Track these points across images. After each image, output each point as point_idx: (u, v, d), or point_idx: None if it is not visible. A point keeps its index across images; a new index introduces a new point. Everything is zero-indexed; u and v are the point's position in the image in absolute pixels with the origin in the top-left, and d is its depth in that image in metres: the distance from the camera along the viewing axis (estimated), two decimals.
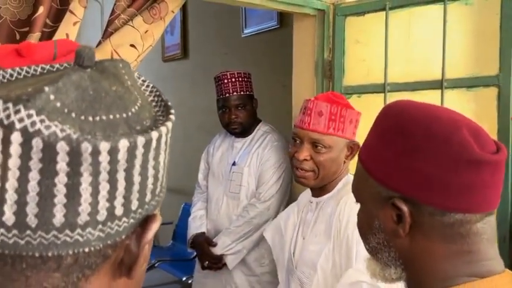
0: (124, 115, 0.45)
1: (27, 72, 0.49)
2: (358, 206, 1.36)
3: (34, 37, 1.56)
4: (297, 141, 1.55)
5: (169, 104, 0.53)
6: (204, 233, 2.46)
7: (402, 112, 0.76)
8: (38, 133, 0.39)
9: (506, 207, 1.68)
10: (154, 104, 0.52)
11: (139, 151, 0.44)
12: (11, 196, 0.40)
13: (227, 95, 2.38)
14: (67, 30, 1.59)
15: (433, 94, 1.80)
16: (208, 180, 2.56)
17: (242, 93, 2.37)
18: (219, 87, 2.42)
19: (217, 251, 2.35)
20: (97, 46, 1.68)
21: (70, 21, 1.59)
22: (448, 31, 1.77)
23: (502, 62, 1.66)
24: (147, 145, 0.45)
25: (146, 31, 1.71)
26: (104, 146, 0.41)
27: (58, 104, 0.41)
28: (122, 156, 0.43)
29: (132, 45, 1.67)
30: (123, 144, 0.42)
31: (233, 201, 2.39)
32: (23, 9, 1.62)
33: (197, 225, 2.48)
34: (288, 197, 2.37)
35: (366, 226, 0.81)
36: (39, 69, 0.50)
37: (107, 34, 1.69)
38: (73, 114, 0.42)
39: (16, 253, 0.42)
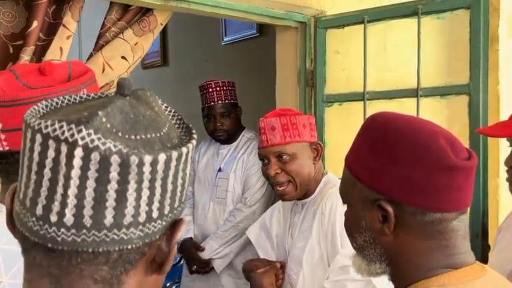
0: (158, 134, 0.55)
1: (69, 100, 0.59)
2: (339, 198, 1.45)
3: (28, 51, 1.61)
4: (265, 161, 1.64)
5: (190, 125, 0.62)
6: (191, 238, 2.51)
7: (386, 124, 0.85)
8: (96, 148, 0.48)
9: (478, 207, 1.80)
10: (177, 126, 0.62)
11: (173, 163, 0.53)
12: (71, 201, 0.49)
13: (212, 103, 2.44)
14: (61, 44, 1.64)
15: (409, 102, 1.91)
16: (194, 187, 2.62)
17: (227, 101, 2.45)
18: (203, 95, 2.49)
19: (204, 255, 2.40)
20: (89, 58, 1.74)
21: (63, 35, 1.64)
22: (422, 43, 1.88)
23: (472, 72, 1.78)
24: (179, 159, 0.54)
25: (136, 43, 1.77)
26: (147, 159, 0.50)
27: (109, 125, 0.50)
28: (160, 167, 0.52)
29: (123, 57, 1.73)
30: (162, 157, 0.51)
31: (219, 207, 2.45)
32: (16, 23, 1.66)
33: (184, 230, 2.53)
34: (272, 201, 2.45)
35: (353, 226, 0.89)
36: (78, 98, 0.59)
37: (98, 46, 1.75)
38: (120, 134, 0.51)
39: (73, 249, 0.50)
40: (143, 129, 0.53)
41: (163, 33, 4.47)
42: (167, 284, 3.56)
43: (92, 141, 0.48)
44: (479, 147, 1.77)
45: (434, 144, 0.79)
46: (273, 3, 2.05)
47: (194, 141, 0.58)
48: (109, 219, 0.50)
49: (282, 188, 1.62)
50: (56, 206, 0.49)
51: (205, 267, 2.42)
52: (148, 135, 0.53)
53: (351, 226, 0.91)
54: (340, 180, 1.60)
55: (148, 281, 0.57)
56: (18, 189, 0.54)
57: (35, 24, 1.60)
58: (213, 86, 2.45)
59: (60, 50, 1.65)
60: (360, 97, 2.01)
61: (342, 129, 2.10)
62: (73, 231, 0.49)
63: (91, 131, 0.48)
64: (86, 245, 0.50)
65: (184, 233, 2.51)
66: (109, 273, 0.52)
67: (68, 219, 0.49)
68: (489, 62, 1.83)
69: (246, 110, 2.64)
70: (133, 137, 0.52)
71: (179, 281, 3.18)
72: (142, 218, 0.52)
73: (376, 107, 1.98)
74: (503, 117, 2.36)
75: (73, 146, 0.48)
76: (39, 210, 0.50)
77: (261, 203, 2.39)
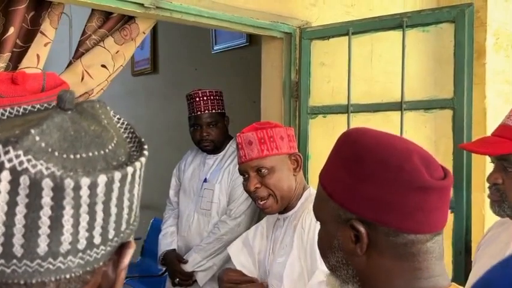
0: (102, 152, 0.50)
1: (10, 113, 0.54)
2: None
3: (4, 58, 1.57)
4: (245, 176, 1.62)
5: (142, 140, 0.58)
6: (174, 249, 2.48)
7: (359, 141, 0.82)
8: (25, 171, 0.44)
9: (462, 224, 1.78)
10: (128, 140, 0.57)
11: (116, 185, 0.49)
12: None
13: (199, 113, 2.42)
14: (38, 51, 1.61)
15: (394, 115, 1.89)
16: (179, 197, 2.58)
17: (214, 111, 2.42)
18: (190, 105, 2.46)
19: (187, 267, 2.37)
20: (68, 66, 1.71)
21: (41, 42, 1.61)
22: (407, 56, 1.87)
23: (456, 86, 1.77)
24: (123, 179, 0.50)
25: (117, 51, 1.74)
26: (85, 181, 0.46)
27: (43, 144, 0.46)
28: (100, 190, 0.48)
29: (103, 66, 1.70)
30: (102, 179, 0.47)
31: (204, 218, 2.42)
32: None
33: (168, 242, 2.50)
34: (258, 214, 2.42)
35: (326, 245, 0.87)
36: (21, 110, 0.55)
37: (78, 54, 1.72)
38: (56, 153, 0.47)
39: (2, 281, 0.46)
40: (84, 147, 0.49)
41: (154, 40, 4.46)
42: None
43: (21, 163, 0.44)
44: (462, 161, 1.76)
45: (407, 164, 0.77)
46: (259, 13, 2.03)
47: (143, 159, 0.54)
48: (42, 247, 0.46)
49: (263, 202, 1.60)
50: None
51: (187, 280, 2.39)
52: (90, 154, 0.49)
53: (324, 245, 0.88)
54: None
55: None
56: None
57: (11, 30, 1.57)
58: (200, 96, 2.43)
59: (37, 57, 1.61)
60: (345, 109, 1.99)
61: (326, 141, 2.06)
62: (2, 261, 0.45)
63: (20, 151, 0.44)
64: (17, 276, 0.46)
65: (167, 244, 2.47)
66: None
67: None
68: (475, 76, 1.82)
69: (235, 119, 2.62)
70: (71, 156, 0.47)
71: None
72: (81, 244, 0.48)
73: (360, 120, 1.96)
74: (490, 130, 2.35)
75: None
76: None
77: (246, 215, 2.36)
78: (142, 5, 1.71)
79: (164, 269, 3.12)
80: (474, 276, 1.48)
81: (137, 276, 3.71)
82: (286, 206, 1.63)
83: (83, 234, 0.48)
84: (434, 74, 1.86)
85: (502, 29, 2.47)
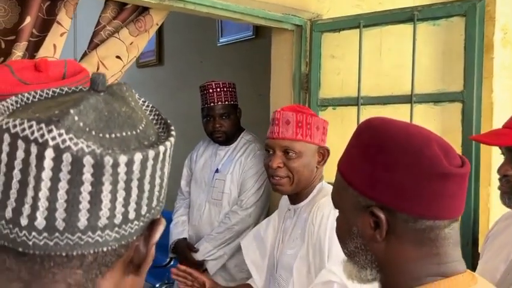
0: (134, 132, 0.53)
1: (40, 95, 0.56)
2: (330, 210, 1.45)
3: (21, 46, 1.59)
4: (270, 152, 1.62)
5: (169, 121, 0.60)
6: (185, 238, 2.50)
7: (380, 129, 0.84)
8: (68, 149, 0.46)
9: (469, 215, 1.80)
10: (154, 122, 0.60)
11: (150, 163, 0.51)
12: (42, 203, 0.47)
13: (212, 104, 2.44)
14: (54, 40, 1.62)
15: (403, 108, 1.91)
16: (190, 187, 2.61)
17: (226, 102, 2.44)
18: (203, 96, 2.48)
19: (198, 256, 2.39)
20: (82, 57, 1.72)
21: (57, 32, 1.63)
22: (417, 49, 1.88)
23: (466, 79, 1.78)
24: (156, 158, 0.52)
25: (132, 43, 1.76)
26: (122, 159, 0.48)
27: (81, 124, 0.48)
28: (136, 167, 0.50)
29: (118, 57, 1.72)
30: (137, 157, 0.50)
31: (215, 208, 2.44)
32: (9, 18, 1.64)
33: (179, 231, 2.52)
34: (268, 204, 2.44)
35: (345, 232, 0.89)
36: (50, 93, 0.57)
37: (93, 45, 1.73)
38: (93, 132, 0.49)
39: (46, 253, 0.48)
40: (118, 127, 0.51)
41: (159, 32, 4.46)
42: (157, 285, 3.54)
43: (64, 141, 0.46)
44: (471, 154, 1.77)
45: (427, 151, 0.79)
46: (270, 5, 2.04)
47: (172, 139, 0.56)
48: (83, 221, 0.48)
49: (277, 179, 1.60)
50: (26, 209, 0.47)
51: (198, 269, 2.41)
52: (124, 133, 0.51)
53: (343, 232, 0.90)
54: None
55: (126, 283, 0.56)
56: None
57: (28, 20, 1.58)
58: (213, 87, 2.45)
59: (54, 47, 1.63)
60: (354, 102, 2.01)
61: (336, 133, 2.09)
62: (45, 234, 0.48)
63: (62, 130, 0.46)
64: (59, 248, 0.48)
65: (179, 233, 2.50)
66: (84, 276, 0.51)
67: (40, 222, 0.47)
68: (483, 69, 1.84)
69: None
70: (107, 135, 0.50)
71: (169, 282, 3.16)
72: (117, 219, 0.50)
73: (370, 113, 1.97)
74: (496, 125, 2.37)
75: (43, 146, 0.46)
76: (8, 213, 0.47)
77: (256, 205, 2.38)
78: None
79: (169, 259, 3.15)
80: (482, 268, 1.50)
81: None
82: (298, 196, 1.64)
83: (119, 209, 0.50)
84: (443, 67, 1.88)
85: (510, 24, 2.48)
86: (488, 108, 2.41)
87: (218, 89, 2.44)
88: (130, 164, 0.49)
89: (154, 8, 1.82)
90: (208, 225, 2.45)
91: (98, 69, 1.68)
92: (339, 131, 2.09)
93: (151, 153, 0.51)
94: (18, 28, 1.59)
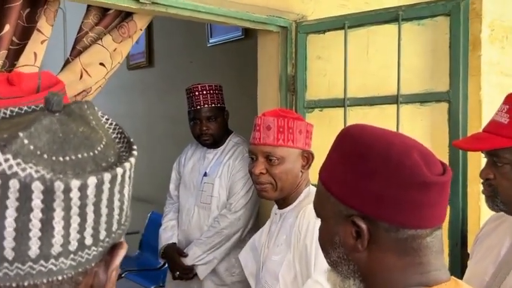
0: (91, 153, 0.51)
1: None
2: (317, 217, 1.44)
3: (0, 55, 1.56)
4: (253, 158, 1.61)
5: (131, 140, 0.58)
6: (175, 243, 2.49)
7: (360, 138, 0.83)
8: (14, 175, 0.45)
9: (458, 216, 1.80)
10: (117, 140, 0.58)
11: (106, 186, 0.50)
12: None
13: (198, 107, 2.42)
14: (35, 48, 1.60)
15: (390, 108, 1.90)
16: (179, 191, 2.59)
17: (213, 105, 2.43)
18: (190, 99, 2.47)
19: (188, 261, 2.38)
20: (65, 64, 1.70)
21: (37, 40, 1.61)
22: (403, 49, 1.87)
23: (452, 79, 1.78)
24: (113, 180, 0.50)
25: (115, 49, 1.74)
26: (74, 184, 0.47)
27: (32, 147, 0.46)
28: (91, 191, 0.48)
29: (101, 64, 1.70)
30: (91, 180, 0.48)
31: (204, 212, 2.43)
32: None
33: (168, 235, 2.51)
34: (257, 208, 2.43)
35: (327, 241, 0.88)
36: (8, 112, 0.55)
37: (75, 52, 1.71)
38: (45, 156, 0.47)
39: None
40: (73, 149, 0.49)
41: (149, 34, 4.45)
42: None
43: (10, 167, 0.44)
44: (458, 154, 1.77)
45: (407, 160, 0.78)
46: (254, 7, 2.03)
47: (133, 159, 0.54)
48: (34, 250, 0.46)
49: (262, 186, 1.60)
50: None
51: (188, 273, 2.40)
52: (79, 155, 0.49)
53: (325, 241, 0.89)
54: None
55: None
56: None
57: (7, 28, 1.56)
58: (200, 90, 2.43)
59: (35, 55, 1.60)
60: (341, 103, 2.00)
61: (323, 135, 2.07)
62: None
63: (9, 155, 0.45)
64: (9, 279, 0.46)
65: (168, 238, 2.49)
66: None
67: None
68: (471, 67, 1.83)
69: (230, 112, 2.62)
70: (61, 158, 0.48)
71: (163, 285, 3.15)
72: (72, 246, 0.48)
73: (357, 114, 1.97)
74: (485, 122, 2.37)
75: None
76: None
77: (246, 208, 2.37)
78: (137, 0, 1.71)
79: (163, 262, 3.14)
80: (471, 270, 1.50)
81: (135, 270, 3.73)
82: (284, 201, 1.63)
83: (74, 235, 0.48)
84: (429, 67, 1.87)
85: (497, 21, 2.48)
86: (476, 106, 2.40)
87: (204, 92, 2.42)
88: (83, 188, 0.47)
89: (137, 14, 1.80)
90: (198, 230, 2.43)
91: (81, 76, 1.66)
92: (326, 133, 2.07)
93: (107, 176, 0.49)
94: None
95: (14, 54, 1.61)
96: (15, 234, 0.45)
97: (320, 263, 1.39)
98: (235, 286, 2.39)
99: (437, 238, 0.82)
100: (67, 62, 1.72)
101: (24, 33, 1.62)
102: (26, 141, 0.46)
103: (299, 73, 2.10)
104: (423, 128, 1.84)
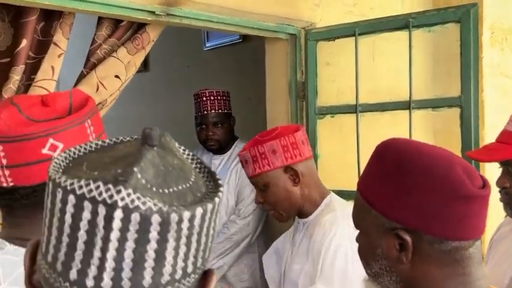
0: (188, 185, 0.53)
1: (85, 149, 0.56)
2: (334, 230, 1.46)
3: (18, 70, 1.56)
4: None
5: (212, 170, 0.60)
6: None
7: (402, 152, 0.85)
8: (137, 209, 0.46)
9: None
10: (198, 170, 0.60)
11: (208, 216, 0.52)
12: (110, 264, 0.47)
13: (205, 112, 2.43)
14: (52, 62, 1.60)
15: (401, 114, 1.93)
16: None
17: (220, 111, 2.44)
18: (197, 104, 2.48)
19: None
20: (81, 78, 1.69)
21: (54, 54, 1.60)
22: (414, 56, 1.90)
23: (463, 84, 1.81)
24: (213, 210, 0.52)
25: (129, 61, 1.74)
26: (186, 215, 0.49)
27: (144, 182, 0.48)
28: (197, 222, 0.50)
29: (117, 76, 1.70)
30: (199, 211, 0.50)
31: None
32: (2, 40, 1.61)
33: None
34: (266, 213, 2.44)
35: (368, 253, 0.90)
36: (93, 145, 0.57)
37: (90, 65, 1.71)
38: (154, 189, 0.49)
39: None
40: (174, 181, 0.51)
41: None
42: None
43: (132, 201, 0.46)
44: (471, 160, 1.80)
45: (451, 174, 0.80)
46: (264, 16, 2.04)
47: (222, 189, 0.56)
48: (147, 280, 0.48)
49: (270, 213, 1.67)
50: (92, 271, 0.47)
51: None
52: (180, 187, 0.51)
53: (366, 253, 0.91)
54: (341, 202, 1.59)
55: None
56: (43, 250, 0.51)
57: (24, 42, 1.55)
58: (207, 95, 2.44)
59: (52, 68, 1.60)
60: (353, 109, 2.03)
61: (335, 141, 2.10)
62: None
63: (130, 190, 0.46)
64: None
65: None
66: None
67: (106, 283, 0.47)
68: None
69: None
70: (166, 190, 0.50)
71: None
72: (178, 274, 0.50)
73: (368, 120, 1.99)
74: (488, 123, 2.42)
75: (112, 208, 0.46)
76: (73, 275, 0.47)
77: (254, 214, 2.38)
78: (153, 12, 1.71)
79: None
80: (489, 274, 1.53)
81: None
82: (302, 212, 1.64)
83: (180, 264, 0.50)
84: (440, 73, 1.90)
85: (497, 23, 2.52)
86: (479, 107, 2.45)
87: (212, 97, 2.44)
88: (192, 219, 0.49)
89: (151, 25, 1.80)
90: None
91: (97, 89, 1.66)
92: (338, 138, 2.10)
93: (210, 206, 0.51)
94: (15, 51, 1.56)
95: (31, 69, 1.60)
96: (133, 265, 0.47)
97: (324, 273, 1.43)
98: None
99: (478, 249, 0.85)
100: (81, 75, 1.72)
101: (41, 47, 1.61)
102: (139, 176, 0.48)
103: (310, 80, 2.12)
104: (435, 133, 1.88)
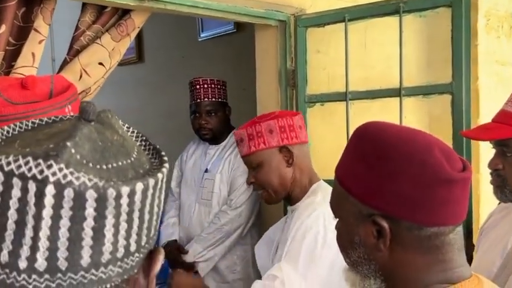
0: (129, 161, 0.51)
1: (20, 127, 0.54)
2: (307, 213, 1.44)
3: None
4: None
5: (158, 147, 0.58)
6: (175, 240, 2.47)
7: (380, 137, 0.82)
8: (70, 184, 0.44)
9: None
10: (143, 148, 0.58)
11: (150, 192, 0.50)
12: (43, 243, 0.45)
13: (198, 100, 2.41)
14: (33, 49, 1.57)
15: (392, 101, 1.90)
16: (181, 187, 2.57)
17: (214, 99, 2.41)
18: (191, 92, 2.46)
19: (188, 258, 2.36)
20: (64, 65, 1.66)
21: (35, 40, 1.57)
22: (405, 42, 1.87)
23: (454, 71, 1.78)
24: (155, 186, 0.51)
25: (114, 48, 1.71)
26: (125, 190, 0.47)
27: (78, 157, 0.46)
28: (138, 197, 0.48)
29: (100, 63, 1.67)
30: (139, 186, 0.48)
31: (205, 208, 2.41)
32: None
33: (169, 232, 2.49)
34: (259, 204, 2.42)
35: (346, 241, 0.87)
36: (30, 124, 0.54)
37: (73, 52, 1.67)
38: (91, 165, 0.47)
39: None
40: (113, 157, 0.49)
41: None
42: None
43: (65, 176, 0.44)
44: (462, 146, 1.78)
45: (429, 158, 0.77)
46: (252, 2, 2.01)
47: (167, 165, 0.54)
48: (86, 259, 0.46)
49: (259, 193, 1.65)
50: (25, 251, 0.44)
51: (189, 271, 2.39)
52: (120, 163, 0.49)
53: (344, 241, 0.89)
54: (326, 189, 1.56)
55: None
56: None
57: (3, 28, 1.52)
58: (201, 83, 2.42)
59: (33, 55, 1.57)
60: (343, 97, 1.99)
61: (325, 129, 2.07)
62: (47, 276, 0.45)
63: (62, 165, 0.44)
64: None
65: (168, 234, 2.47)
66: None
67: (40, 264, 0.45)
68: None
69: None
70: (104, 166, 0.48)
71: (162, 282, 3.14)
72: (120, 253, 0.48)
73: (359, 107, 1.96)
74: (483, 111, 2.38)
75: (43, 183, 0.44)
76: (4, 257, 0.45)
77: (246, 204, 2.35)
78: None
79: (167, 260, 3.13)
80: (478, 262, 1.50)
81: None
82: (291, 198, 1.62)
83: (122, 242, 0.48)
84: (431, 59, 1.87)
85: (492, 10, 2.48)
86: (474, 95, 2.41)
87: (205, 86, 2.41)
88: (132, 194, 0.47)
89: (135, 11, 1.76)
90: (198, 226, 2.42)
91: (81, 76, 1.63)
92: (327, 127, 2.07)
93: (151, 181, 0.50)
94: None
95: (11, 55, 1.57)
96: (69, 243, 0.45)
97: (291, 254, 1.44)
98: (236, 283, 2.39)
99: (459, 235, 0.82)
100: (64, 62, 1.69)
101: (21, 34, 1.58)
102: (73, 151, 0.46)
103: (299, 67, 2.08)
104: (426, 120, 1.84)
